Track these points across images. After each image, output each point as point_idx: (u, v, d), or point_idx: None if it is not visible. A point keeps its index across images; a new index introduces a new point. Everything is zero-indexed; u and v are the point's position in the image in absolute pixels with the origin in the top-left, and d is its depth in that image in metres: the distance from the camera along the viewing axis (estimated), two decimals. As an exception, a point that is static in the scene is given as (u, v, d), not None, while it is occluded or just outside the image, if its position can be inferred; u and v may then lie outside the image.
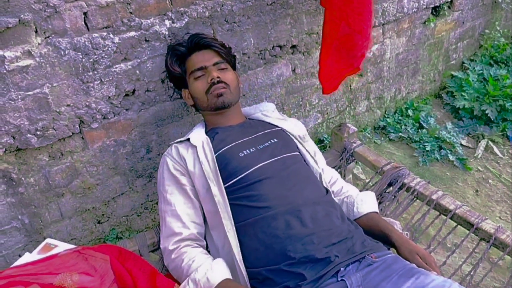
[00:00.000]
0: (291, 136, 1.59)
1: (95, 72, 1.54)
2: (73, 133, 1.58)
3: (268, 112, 1.70)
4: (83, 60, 1.49)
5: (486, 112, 2.74)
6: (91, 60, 1.51)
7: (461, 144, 2.63)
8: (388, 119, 2.70)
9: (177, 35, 1.67)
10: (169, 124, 1.80)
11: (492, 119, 2.75)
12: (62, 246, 1.44)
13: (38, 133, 1.49)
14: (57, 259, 1.35)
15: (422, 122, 2.70)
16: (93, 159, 1.66)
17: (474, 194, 2.34)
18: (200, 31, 1.71)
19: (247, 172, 1.40)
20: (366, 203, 1.53)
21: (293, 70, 2.15)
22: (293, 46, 2.10)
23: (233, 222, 1.35)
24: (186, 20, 1.68)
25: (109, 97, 1.60)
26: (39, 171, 1.56)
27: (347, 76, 1.84)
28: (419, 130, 2.67)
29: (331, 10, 1.73)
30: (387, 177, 1.69)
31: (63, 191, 1.64)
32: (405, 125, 2.68)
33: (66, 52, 1.45)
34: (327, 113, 2.44)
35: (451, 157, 2.50)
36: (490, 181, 2.44)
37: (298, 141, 1.59)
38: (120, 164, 1.73)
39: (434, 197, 1.59)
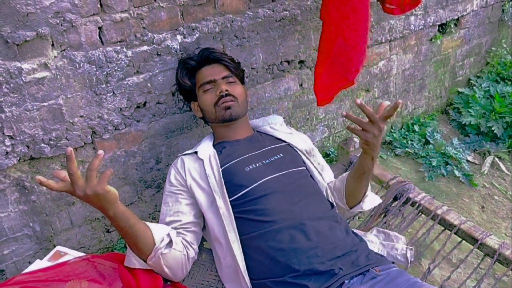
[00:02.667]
0: (297, 151, 1.62)
1: (108, 85, 1.58)
2: (85, 143, 1.62)
3: (276, 125, 1.73)
4: (97, 72, 1.54)
5: (493, 128, 2.75)
6: (105, 73, 1.55)
7: (467, 160, 2.64)
8: (394, 134, 2.72)
9: (188, 50, 1.72)
10: (179, 136, 1.84)
11: (499, 136, 2.76)
12: (72, 254, 1.47)
13: (52, 142, 1.53)
14: (67, 266, 1.38)
15: (428, 138, 2.72)
16: (104, 169, 1.69)
17: (480, 210, 2.34)
18: (210, 46, 1.75)
19: (253, 186, 1.43)
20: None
21: (301, 85, 2.19)
22: (301, 61, 2.14)
23: (237, 235, 1.38)
24: (197, 35, 1.72)
25: (121, 108, 1.64)
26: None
27: (342, 89, 1.88)
28: (425, 146, 2.69)
29: (328, 25, 1.76)
30: (392, 191, 1.71)
31: (73, 200, 1.68)
32: (411, 140, 2.70)
33: (81, 65, 1.50)
34: (333, 127, 2.47)
35: (457, 173, 2.52)
36: (496, 197, 2.44)
37: (305, 155, 1.62)
38: (129, 174, 1.77)
39: (439, 212, 1.61)
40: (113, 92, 1.60)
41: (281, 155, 1.56)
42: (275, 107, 2.14)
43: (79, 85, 1.52)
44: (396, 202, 1.72)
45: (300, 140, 1.68)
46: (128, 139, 1.71)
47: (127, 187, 1.79)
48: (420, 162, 2.60)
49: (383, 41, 2.43)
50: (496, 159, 2.70)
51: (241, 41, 1.86)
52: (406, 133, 2.77)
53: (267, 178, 1.45)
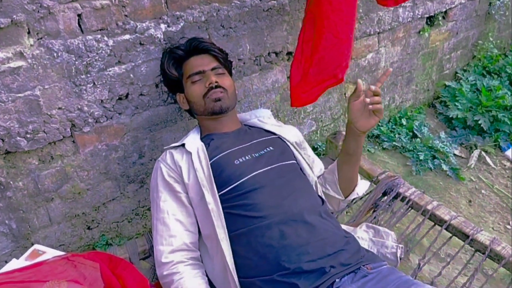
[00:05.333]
0: (287, 143, 1.57)
1: (88, 75, 1.51)
2: (64, 137, 1.54)
3: (264, 118, 1.68)
4: (76, 62, 1.46)
5: (479, 122, 2.75)
6: (85, 62, 1.48)
7: (454, 154, 2.63)
8: (382, 128, 2.70)
9: (173, 39, 1.65)
10: (163, 129, 1.78)
11: (485, 129, 2.76)
12: (50, 253, 1.40)
13: (28, 136, 1.45)
14: (45, 266, 1.31)
15: (415, 131, 2.70)
16: (84, 163, 1.63)
17: (467, 204, 2.34)
18: (196, 35, 1.69)
19: (242, 180, 1.38)
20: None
21: (288, 77, 2.14)
22: (289, 53, 2.09)
23: (226, 231, 1.33)
24: (181, 24, 1.66)
25: (102, 100, 1.57)
26: (28, 175, 1.52)
27: (329, 88, 1.82)
28: (413, 140, 2.67)
29: (318, 18, 1.69)
30: (382, 186, 1.68)
31: (52, 196, 1.60)
32: (399, 134, 2.68)
33: (59, 54, 1.42)
34: (321, 121, 2.43)
35: (444, 167, 2.50)
36: (483, 191, 2.44)
37: (295, 148, 1.57)
38: (111, 169, 1.70)
39: (429, 207, 1.58)
40: (94, 83, 1.53)
41: (271, 148, 1.51)
42: (263, 100, 2.08)
43: (57, 76, 1.44)
44: (386, 197, 1.69)
45: (289, 133, 1.63)
46: (110, 132, 1.64)
47: (109, 182, 1.72)
48: (407, 156, 2.58)
49: (372, 33, 2.39)
50: (483, 153, 2.70)
51: (228, 31, 1.80)
52: (394, 126, 2.75)
53: (257, 172, 1.40)
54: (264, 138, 1.55)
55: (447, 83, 3.04)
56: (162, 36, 1.62)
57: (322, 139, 2.47)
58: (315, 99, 1.83)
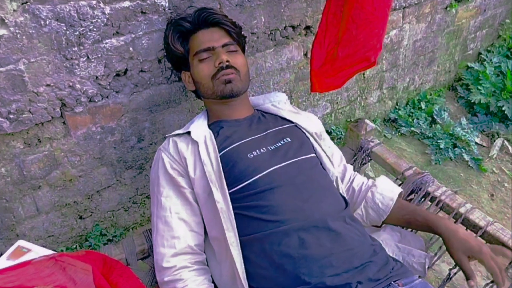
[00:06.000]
0: (306, 133, 1.38)
1: (81, 48, 1.30)
2: (53, 118, 1.35)
3: (279, 103, 1.49)
4: (67, 32, 1.25)
5: (503, 108, 2.56)
6: (77, 33, 1.27)
7: (476, 143, 2.45)
8: (399, 111, 2.51)
9: (179, 8, 1.44)
10: (165, 110, 1.58)
11: (509, 117, 2.57)
12: (36, 251, 1.23)
13: (12, 116, 1.26)
14: (30, 267, 1.14)
15: (435, 116, 2.51)
16: (76, 147, 1.44)
17: (489, 199, 2.18)
18: (205, 4, 1.47)
19: (257, 177, 1.20)
20: (386, 189, 1.37)
21: (305, 54, 1.93)
22: (307, 27, 1.87)
23: (237, 235, 1.16)
24: (190, -10, 1.44)
25: (96, 77, 1.37)
26: (12, 160, 1.34)
27: (358, 73, 1.60)
28: (432, 125, 2.49)
29: None
30: (409, 184, 1.50)
31: (39, 183, 1.42)
32: (418, 118, 2.50)
33: (47, 22, 1.21)
34: (336, 103, 2.23)
35: (466, 157, 2.33)
36: (506, 184, 2.28)
37: (315, 139, 1.38)
38: (107, 154, 1.52)
39: (462, 210, 1.41)
40: (87, 57, 1.33)
41: (288, 139, 1.32)
42: (276, 79, 1.88)
43: (45, 47, 1.24)
44: (413, 196, 1.51)
45: (309, 121, 1.43)
46: (106, 113, 1.45)
47: (104, 168, 1.54)
48: (426, 143, 2.40)
49: (397, 7, 2.17)
50: (506, 142, 2.52)
51: (242, 1, 1.58)
52: (412, 110, 2.56)
53: (274, 168, 1.22)
54: (280, 127, 1.37)
55: (469, 64, 2.82)
56: (167, 4, 1.41)
57: (337, 122, 2.28)
58: (342, 84, 1.62)
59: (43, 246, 1.20)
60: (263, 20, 1.69)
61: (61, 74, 1.30)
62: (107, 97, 1.43)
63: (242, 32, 1.55)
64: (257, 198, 1.18)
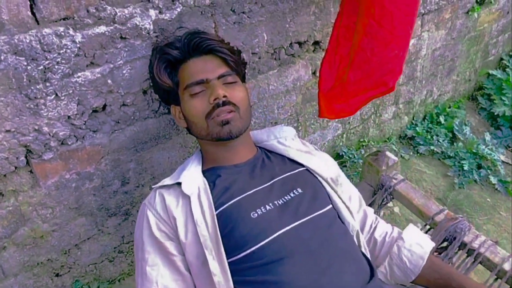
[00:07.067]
0: (320, 179, 1.15)
1: (47, 84, 1.07)
2: (16, 167, 1.13)
3: (286, 140, 1.26)
4: (29, 68, 1.03)
5: (530, 121, 2.33)
6: (41, 67, 1.05)
7: (502, 161, 2.22)
8: (416, 127, 2.27)
9: (166, 31, 1.21)
10: (153, 147, 1.36)
11: (537, 131, 2.34)
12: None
13: (-36, 170, 1.04)
14: None
15: (456, 132, 2.27)
16: (47, 199, 1.22)
17: (521, 228, 1.95)
18: (197, 25, 1.25)
19: (263, 243, 0.97)
20: (415, 244, 1.14)
21: (313, 73, 1.70)
22: (316, 43, 1.64)
23: (240, 318, 0.94)
24: (178, 9, 1.21)
25: (68, 116, 1.15)
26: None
27: (373, 99, 1.37)
28: (453, 143, 2.25)
29: (366, 6, 1.24)
30: (441, 233, 1.28)
31: (4, 244, 1.20)
32: (437, 135, 2.26)
33: (2, 58, 0.99)
34: (348, 123, 2.00)
35: (492, 179, 2.10)
36: (537, 210, 2.05)
37: (330, 186, 1.15)
38: (85, 203, 1.29)
39: (506, 267, 1.19)
40: (56, 95, 1.10)
41: (299, 190, 1.09)
42: (281, 102, 1.65)
43: (2, 87, 1.01)
44: (445, 244, 1.29)
45: (322, 163, 1.20)
46: (81, 157, 1.22)
47: (82, 218, 1.31)
48: (448, 163, 2.16)
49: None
50: (534, 159, 2.29)
51: (240, 17, 1.35)
52: (430, 125, 2.32)
53: (283, 230, 0.99)
54: (289, 174, 1.14)
55: (491, 71, 2.58)
56: (151, 27, 1.18)
57: (349, 143, 2.05)
58: (354, 112, 1.39)
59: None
60: (265, 38, 1.46)
61: (24, 117, 1.08)
62: (82, 138, 1.20)
63: (242, 54, 1.32)
64: (263, 271, 0.96)
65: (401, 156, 2.16)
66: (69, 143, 1.18)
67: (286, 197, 1.07)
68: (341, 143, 2.02)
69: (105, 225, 1.38)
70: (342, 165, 1.96)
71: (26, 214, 1.20)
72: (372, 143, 2.11)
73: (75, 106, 1.15)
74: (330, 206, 1.11)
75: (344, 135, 2.02)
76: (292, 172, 1.14)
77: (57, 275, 1.36)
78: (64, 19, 1.05)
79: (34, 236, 1.24)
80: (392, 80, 1.27)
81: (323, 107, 1.42)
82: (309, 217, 1.04)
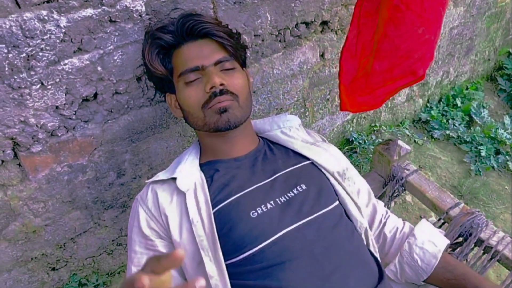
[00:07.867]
0: (326, 174, 1.07)
1: (32, 73, 1.00)
2: (3, 161, 1.07)
3: (290, 130, 1.17)
4: (10, 56, 0.95)
5: (553, 103, 2.21)
6: (24, 55, 0.97)
7: (522, 146, 2.11)
8: (431, 111, 2.16)
9: (160, 13, 1.12)
10: (149, 137, 1.29)
11: (560, 113, 2.22)
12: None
13: None
14: None
15: (473, 116, 2.16)
16: (38, 193, 1.16)
17: (540, 218, 1.86)
18: (194, 6, 1.15)
19: (263, 245, 0.90)
20: (428, 241, 1.07)
21: (321, 55, 1.60)
22: (324, 22, 1.54)
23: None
24: (173, -11, 1.12)
25: (56, 106, 1.08)
26: None
27: (401, 89, 1.26)
28: (470, 127, 2.14)
29: None
30: (456, 228, 1.19)
31: (-6, 239, 1.15)
32: (453, 119, 2.15)
33: (-20, 45, 0.91)
34: (359, 107, 1.90)
35: (511, 166, 1.99)
36: (559, 199, 1.94)
37: (337, 181, 1.07)
38: (78, 196, 1.24)
39: (526, 266, 1.11)
40: (41, 84, 1.03)
41: (303, 186, 1.01)
42: (286, 87, 1.56)
43: (-19, 77, 0.94)
44: (461, 241, 1.21)
45: (328, 156, 1.12)
46: (73, 149, 1.16)
47: (76, 212, 1.26)
48: (464, 149, 2.06)
49: (432, -9, 1.80)
50: (556, 144, 2.17)
51: (241, -3, 1.25)
52: (446, 108, 2.21)
53: (285, 231, 0.92)
54: (293, 168, 1.05)
55: (511, 50, 2.44)
56: (143, 8, 1.09)
57: (359, 128, 1.96)
58: (380, 104, 1.27)
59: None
60: (269, 18, 1.36)
61: (8, 108, 1.01)
62: (73, 129, 1.14)
63: (242, 37, 1.23)
64: (263, 275, 0.89)
65: (415, 141, 2.05)
66: (59, 134, 1.12)
67: (288, 194, 0.99)
68: (351, 129, 1.93)
69: (102, 218, 1.32)
70: (352, 151, 1.87)
71: (17, 209, 1.14)
72: (384, 128, 2.01)
73: (63, 96, 1.07)
74: (337, 203, 1.03)
75: (354, 120, 1.92)
76: (296, 166, 1.06)
77: (53, 269, 1.32)
78: (47, 1, 0.96)
79: (26, 231, 1.19)
80: (422, 67, 1.15)
81: (345, 100, 1.31)
82: (313, 217, 0.96)
